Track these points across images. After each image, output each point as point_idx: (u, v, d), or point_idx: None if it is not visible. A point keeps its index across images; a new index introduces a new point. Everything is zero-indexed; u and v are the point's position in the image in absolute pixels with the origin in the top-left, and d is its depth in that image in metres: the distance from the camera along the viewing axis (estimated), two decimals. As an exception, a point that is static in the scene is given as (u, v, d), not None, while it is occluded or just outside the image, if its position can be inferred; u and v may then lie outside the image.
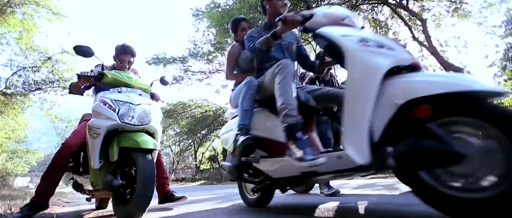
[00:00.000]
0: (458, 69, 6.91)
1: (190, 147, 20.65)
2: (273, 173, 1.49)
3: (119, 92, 1.80)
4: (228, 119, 1.96)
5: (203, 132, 18.45)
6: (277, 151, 1.38)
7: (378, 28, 10.03)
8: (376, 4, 9.49)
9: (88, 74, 1.99)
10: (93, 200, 2.53)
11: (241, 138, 1.42)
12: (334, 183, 3.45)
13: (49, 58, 11.16)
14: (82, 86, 2.02)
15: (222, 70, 14.39)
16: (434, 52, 7.73)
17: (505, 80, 8.61)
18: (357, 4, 9.25)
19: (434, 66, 7.88)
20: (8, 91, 11.10)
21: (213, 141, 20.77)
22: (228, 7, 11.19)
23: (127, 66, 2.15)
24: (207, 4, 11.89)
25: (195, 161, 20.46)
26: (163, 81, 2.24)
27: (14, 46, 10.98)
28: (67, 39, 18.34)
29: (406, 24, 8.62)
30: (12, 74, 11.13)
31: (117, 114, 1.66)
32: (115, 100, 1.70)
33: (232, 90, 1.96)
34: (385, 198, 2.19)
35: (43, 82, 11.39)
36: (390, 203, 1.86)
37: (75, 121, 19.18)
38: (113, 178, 1.59)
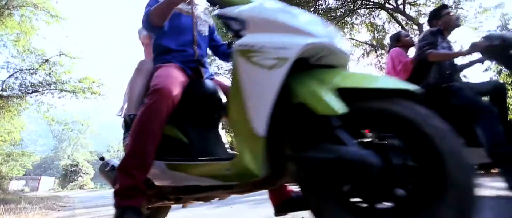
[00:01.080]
0: (455, 74, 6.98)
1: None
2: None
3: None
4: None
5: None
6: None
7: (375, 32, 10.12)
8: (373, 9, 9.58)
9: None
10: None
11: None
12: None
13: (47, 60, 11.12)
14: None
15: (221, 73, 14.39)
16: (431, 56, 7.81)
17: (501, 84, 8.68)
18: (355, 8, 9.33)
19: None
20: (4, 93, 11.02)
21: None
22: (226, 10, 11.22)
23: None
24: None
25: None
26: None
27: (11, 48, 10.97)
28: (64, 41, 18.28)
29: (403, 28, 8.69)
30: (9, 77, 11.06)
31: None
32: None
33: None
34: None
35: (40, 84, 11.32)
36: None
37: (72, 123, 19.02)
38: (371, 153, 0.67)
